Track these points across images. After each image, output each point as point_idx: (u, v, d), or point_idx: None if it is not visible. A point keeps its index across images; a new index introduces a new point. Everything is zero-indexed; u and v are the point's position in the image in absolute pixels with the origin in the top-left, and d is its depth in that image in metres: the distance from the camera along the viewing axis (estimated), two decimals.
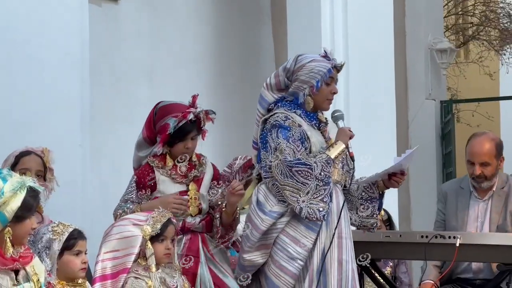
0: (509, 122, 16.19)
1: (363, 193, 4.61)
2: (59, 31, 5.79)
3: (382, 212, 5.92)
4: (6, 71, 5.77)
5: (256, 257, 4.39)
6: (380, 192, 4.65)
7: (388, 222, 6.02)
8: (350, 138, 4.45)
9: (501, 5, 14.18)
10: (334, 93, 4.52)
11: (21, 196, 3.37)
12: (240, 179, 5.38)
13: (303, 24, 7.42)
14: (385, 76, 7.58)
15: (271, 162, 4.33)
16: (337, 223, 4.37)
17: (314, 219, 4.25)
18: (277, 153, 4.32)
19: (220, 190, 4.74)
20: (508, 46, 14.53)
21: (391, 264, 6.04)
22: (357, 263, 5.73)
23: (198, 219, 4.68)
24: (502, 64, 14.68)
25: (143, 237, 4.31)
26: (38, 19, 5.80)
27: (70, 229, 4.00)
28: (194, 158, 4.69)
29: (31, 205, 3.41)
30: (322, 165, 4.29)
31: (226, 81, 7.93)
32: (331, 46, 7.38)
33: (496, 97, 14.80)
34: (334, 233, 4.37)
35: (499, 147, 5.32)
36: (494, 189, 5.35)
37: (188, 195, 4.65)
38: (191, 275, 4.60)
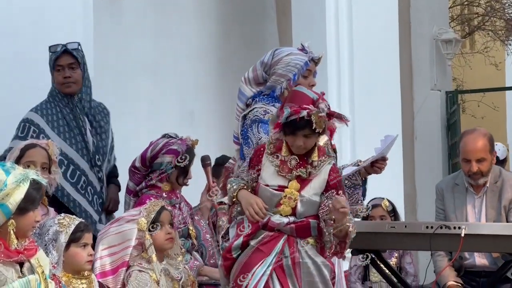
0: None
1: (346, 181, 4.62)
2: (63, 26, 5.82)
3: (387, 203, 5.93)
4: (10, 66, 5.80)
5: None
6: (363, 178, 4.67)
7: (393, 212, 6.02)
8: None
9: None
10: (312, 85, 4.52)
11: (24, 188, 3.38)
12: None
13: (308, 17, 7.43)
14: (390, 67, 7.58)
15: None
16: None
17: None
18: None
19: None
20: None
21: (396, 254, 6.04)
22: (358, 263, 5.78)
23: (285, 220, 4.15)
24: (507, 54, 14.68)
25: (139, 229, 4.33)
26: (42, 14, 5.83)
27: (77, 222, 4.02)
28: (315, 157, 4.17)
29: (34, 197, 3.43)
30: None
31: (230, 75, 7.93)
32: (335, 38, 7.40)
33: (502, 87, 14.79)
34: None
35: (491, 142, 5.33)
36: (487, 184, 5.35)
37: (284, 192, 4.17)
38: (246, 265, 4.13)
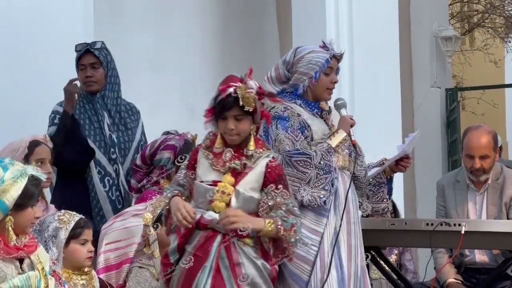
0: None
1: (371, 179, 4.66)
2: (63, 22, 5.82)
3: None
4: (10, 63, 5.80)
5: None
6: (388, 177, 4.69)
7: (393, 210, 6.03)
8: (352, 126, 4.49)
9: None
10: (334, 82, 4.56)
11: (21, 184, 3.38)
12: None
13: (307, 12, 7.42)
14: (390, 64, 7.57)
15: None
16: (344, 207, 4.39)
17: (315, 205, 4.31)
18: (276, 144, 4.36)
19: (278, 199, 3.93)
20: None
21: (396, 252, 6.06)
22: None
23: (217, 217, 3.88)
24: (507, 52, 14.66)
25: (144, 224, 4.34)
26: (42, 10, 5.82)
27: (77, 218, 4.03)
28: (251, 147, 3.94)
29: (32, 193, 3.42)
30: (322, 154, 4.34)
31: (231, 70, 7.90)
32: (335, 35, 7.38)
33: (502, 85, 14.79)
34: (342, 218, 4.40)
35: (496, 139, 5.33)
36: (489, 181, 5.35)
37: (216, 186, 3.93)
38: (187, 277, 3.88)
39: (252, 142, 3.94)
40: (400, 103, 7.66)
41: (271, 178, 3.93)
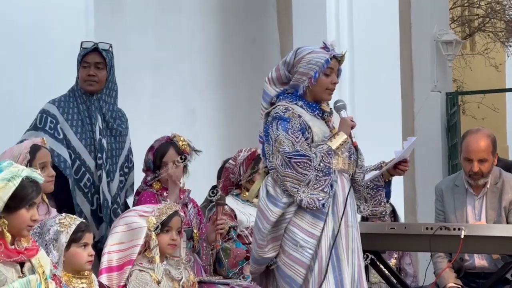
0: None
1: (369, 183, 4.65)
2: (63, 23, 5.81)
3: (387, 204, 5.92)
4: (10, 64, 5.79)
5: (268, 251, 4.42)
6: (386, 180, 4.68)
7: (393, 214, 6.03)
8: (352, 128, 4.48)
9: None
10: (335, 83, 4.54)
11: (12, 186, 3.35)
12: (244, 171, 5.44)
13: (308, 15, 7.42)
14: (390, 67, 7.57)
15: (273, 154, 4.36)
16: (343, 211, 4.39)
17: (313, 208, 4.31)
18: (276, 145, 4.36)
19: None
20: None
21: (395, 255, 6.05)
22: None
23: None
24: (508, 56, 14.69)
25: (148, 228, 4.34)
26: (42, 10, 5.82)
27: (77, 222, 4.02)
28: None
29: (24, 195, 3.40)
30: (322, 155, 4.34)
31: (231, 73, 7.93)
32: (336, 37, 7.38)
33: (502, 89, 14.81)
34: (341, 221, 4.40)
35: (494, 143, 5.32)
36: (488, 186, 5.34)
37: None
38: None
39: None
40: (401, 107, 7.66)
41: None
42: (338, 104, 4.55)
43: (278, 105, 4.46)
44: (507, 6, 14.42)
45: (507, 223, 5.26)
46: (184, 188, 5.05)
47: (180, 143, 5.04)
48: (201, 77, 7.60)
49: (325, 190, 4.31)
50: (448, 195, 5.45)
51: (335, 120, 4.61)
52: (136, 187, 5.19)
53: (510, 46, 14.38)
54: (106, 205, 5.00)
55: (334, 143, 4.42)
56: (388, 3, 7.58)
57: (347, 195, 4.45)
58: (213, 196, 5.03)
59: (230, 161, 5.49)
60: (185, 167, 5.02)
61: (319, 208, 4.31)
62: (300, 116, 4.43)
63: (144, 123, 6.57)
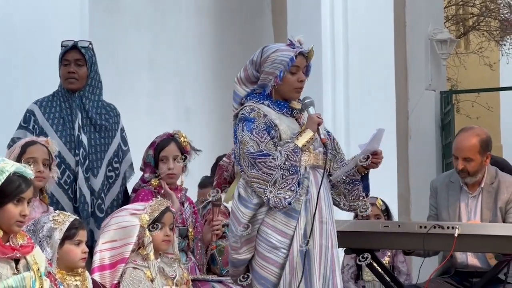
0: (509, 112, 16.21)
1: (345, 178, 4.60)
2: (59, 22, 5.81)
3: (380, 202, 5.93)
4: (5, 62, 5.79)
5: (243, 254, 4.40)
6: (362, 174, 4.64)
7: (386, 212, 6.03)
8: (319, 124, 4.42)
9: None
10: (301, 81, 4.48)
11: None
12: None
13: (303, 14, 7.43)
14: (385, 66, 7.58)
15: (240, 156, 4.35)
16: (316, 208, 4.37)
17: (280, 207, 4.28)
18: (241, 145, 4.33)
19: None
20: (508, 36, 14.56)
21: (389, 253, 6.05)
22: (356, 263, 5.78)
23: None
24: (502, 55, 14.71)
25: (141, 225, 4.35)
26: (37, 10, 5.82)
27: (71, 219, 4.02)
28: None
29: (10, 190, 3.40)
30: (287, 154, 4.30)
31: (227, 72, 7.93)
32: (331, 37, 7.40)
33: (496, 88, 14.82)
34: (314, 218, 4.37)
35: (484, 144, 5.27)
36: (482, 185, 5.34)
37: None
38: None
39: None
40: (395, 106, 7.66)
41: None
42: (306, 101, 4.48)
43: (245, 106, 4.42)
44: (502, 5, 14.45)
45: (504, 223, 5.26)
46: (182, 186, 5.06)
47: (182, 139, 5.04)
48: (196, 76, 7.61)
49: (292, 189, 4.27)
50: (442, 191, 5.44)
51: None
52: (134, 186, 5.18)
53: (505, 45, 14.41)
54: (83, 200, 4.97)
55: (301, 141, 4.36)
56: (383, 1, 7.59)
57: (319, 189, 4.40)
58: (213, 196, 5.03)
59: (224, 158, 5.48)
60: (185, 166, 5.03)
61: (285, 207, 4.28)
62: (265, 115, 4.37)
63: (140, 122, 6.58)
